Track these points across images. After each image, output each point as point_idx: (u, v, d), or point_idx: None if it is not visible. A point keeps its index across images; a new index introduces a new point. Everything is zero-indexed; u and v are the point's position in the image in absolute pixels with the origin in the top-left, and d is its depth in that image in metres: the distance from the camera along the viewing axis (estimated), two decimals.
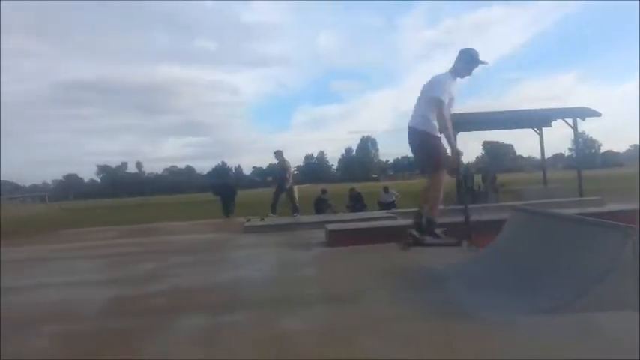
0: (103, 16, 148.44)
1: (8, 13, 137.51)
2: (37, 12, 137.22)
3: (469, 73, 4.95)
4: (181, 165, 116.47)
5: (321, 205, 17.60)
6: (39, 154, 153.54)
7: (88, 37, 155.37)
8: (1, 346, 2.10)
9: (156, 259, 8.16)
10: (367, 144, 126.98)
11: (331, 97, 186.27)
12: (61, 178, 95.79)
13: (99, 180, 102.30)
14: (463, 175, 18.39)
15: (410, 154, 5.46)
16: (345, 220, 11.94)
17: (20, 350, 3.90)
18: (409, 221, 9.26)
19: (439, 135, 4.78)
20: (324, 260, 7.56)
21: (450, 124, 4.58)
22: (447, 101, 4.67)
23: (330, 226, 9.25)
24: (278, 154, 14.11)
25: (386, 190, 19.62)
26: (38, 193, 29.67)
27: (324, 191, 18.56)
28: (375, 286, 5.48)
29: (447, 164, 4.72)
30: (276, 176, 14.43)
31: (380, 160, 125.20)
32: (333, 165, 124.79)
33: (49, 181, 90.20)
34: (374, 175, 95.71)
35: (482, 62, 4.83)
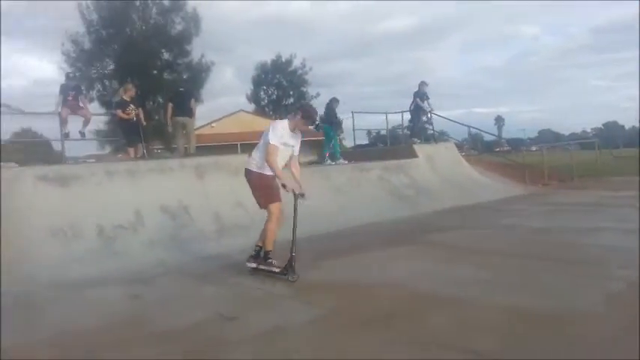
0: None
1: None
2: None
3: (306, 127, 4.99)
4: None
5: None
6: (578, 103, 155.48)
7: None
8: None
9: None
10: None
11: None
12: (599, 125, 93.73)
13: None
14: None
15: None
16: None
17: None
18: None
19: (269, 173, 4.83)
20: None
21: (277, 168, 4.71)
22: (280, 146, 4.75)
23: None
24: None
25: None
26: (580, 141, 30.18)
27: None
28: None
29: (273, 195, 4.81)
30: None
31: None
32: None
33: (587, 129, 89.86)
34: None
35: (317, 126, 5.82)
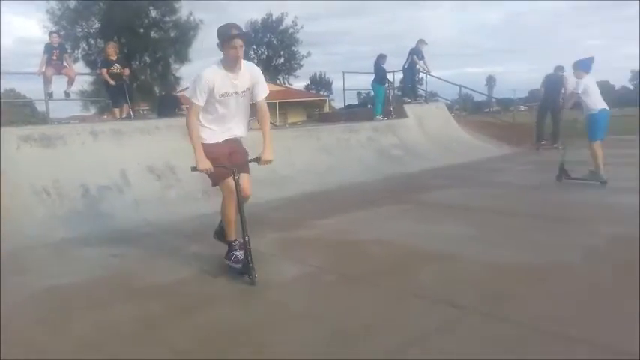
0: None
1: None
2: None
3: (239, 49, 3.40)
4: None
5: None
6: (570, 62, 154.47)
7: None
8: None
9: None
10: None
11: None
12: None
13: (631, 86, 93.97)
14: None
15: None
16: None
17: None
18: None
19: (212, 141, 3.60)
20: None
21: (193, 133, 3.48)
22: (200, 102, 3.46)
23: None
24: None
25: None
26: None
27: None
28: None
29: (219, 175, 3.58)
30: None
31: None
32: None
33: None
34: None
35: (238, 36, 3.41)
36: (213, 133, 3.59)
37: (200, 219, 5.66)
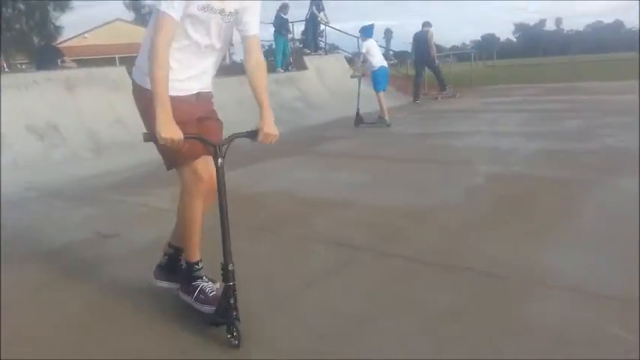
0: None
1: None
2: None
3: None
4: (608, 20, 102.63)
5: None
6: (459, 16, 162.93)
7: None
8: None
9: (584, 117, 7.65)
10: None
11: None
12: (478, 38, 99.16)
13: (514, 39, 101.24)
14: None
15: None
16: None
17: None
18: None
19: (176, 92, 2.10)
20: None
21: (162, 70, 1.96)
22: (176, 14, 1.99)
23: None
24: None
25: None
26: (462, 51, 31.76)
27: None
28: None
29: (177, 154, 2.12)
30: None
31: None
32: None
33: (467, 42, 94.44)
34: None
35: None
36: (176, 75, 2.10)
37: (90, 180, 5.38)
